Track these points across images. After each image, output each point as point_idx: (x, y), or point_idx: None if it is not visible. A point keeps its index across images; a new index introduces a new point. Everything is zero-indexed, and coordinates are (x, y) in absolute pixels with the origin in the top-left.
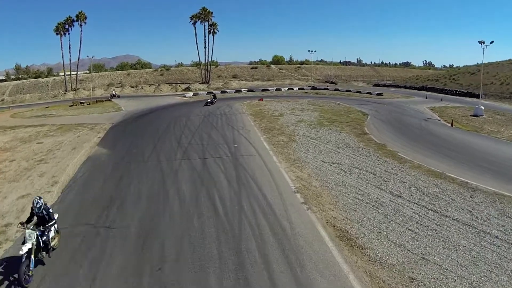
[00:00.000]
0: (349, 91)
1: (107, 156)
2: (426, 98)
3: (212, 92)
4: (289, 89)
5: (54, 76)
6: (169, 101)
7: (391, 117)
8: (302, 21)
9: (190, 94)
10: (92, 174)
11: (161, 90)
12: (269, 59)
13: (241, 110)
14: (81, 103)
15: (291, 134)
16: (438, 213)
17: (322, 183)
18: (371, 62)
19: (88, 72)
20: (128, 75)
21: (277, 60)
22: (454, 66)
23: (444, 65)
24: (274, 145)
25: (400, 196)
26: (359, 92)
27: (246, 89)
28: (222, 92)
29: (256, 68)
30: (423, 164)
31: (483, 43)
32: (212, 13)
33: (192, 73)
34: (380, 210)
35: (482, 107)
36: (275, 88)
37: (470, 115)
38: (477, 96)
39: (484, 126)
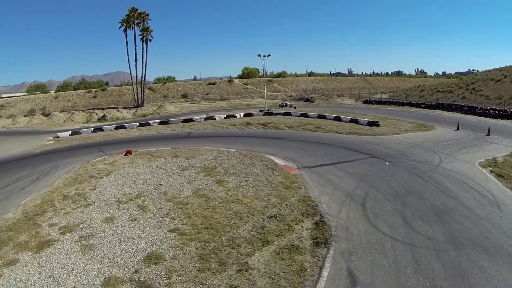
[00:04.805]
0: (323, 117)
1: None
2: (458, 129)
3: None
4: (227, 116)
5: None
6: (16, 151)
7: None
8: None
9: (66, 134)
10: None
11: (72, 120)
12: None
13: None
14: None
15: None
16: None
17: None
18: (362, 73)
19: (27, 93)
20: (55, 98)
21: (247, 74)
22: (447, 73)
23: (437, 73)
24: None
25: None
26: (338, 119)
27: (157, 121)
28: (117, 127)
29: (214, 84)
30: None
31: None
32: (148, 15)
33: (131, 94)
34: None
35: None
36: (205, 116)
37: None
38: None
39: None
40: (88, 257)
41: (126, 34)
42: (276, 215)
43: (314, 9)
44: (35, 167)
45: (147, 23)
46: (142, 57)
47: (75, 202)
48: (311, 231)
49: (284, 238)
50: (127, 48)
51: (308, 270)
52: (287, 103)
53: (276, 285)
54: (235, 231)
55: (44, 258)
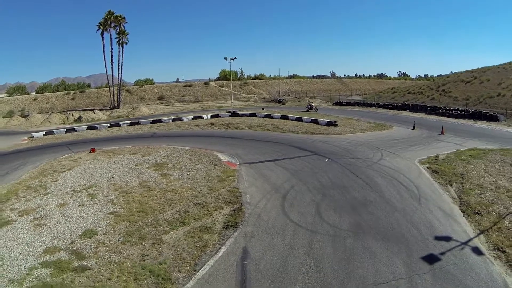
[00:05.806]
0: (286, 118)
1: None
2: (414, 128)
3: None
4: (195, 117)
5: None
6: None
7: None
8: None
9: (41, 134)
10: None
11: (49, 121)
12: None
13: None
14: None
15: None
16: None
17: None
18: (344, 75)
19: (7, 95)
20: (34, 100)
21: (224, 76)
22: (429, 76)
23: (419, 75)
24: None
25: None
26: (299, 120)
27: (128, 122)
28: (89, 128)
29: (190, 86)
30: None
31: None
32: (124, 18)
33: (108, 96)
34: None
35: None
36: (173, 117)
37: None
38: (491, 118)
39: None
40: (38, 233)
41: (103, 37)
42: (201, 202)
43: (303, 10)
44: (6, 163)
45: (123, 27)
46: (119, 60)
47: (36, 192)
48: (227, 217)
49: (201, 221)
50: (103, 51)
51: (210, 246)
52: (313, 105)
53: (179, 256)
54: (161, 214)
55: (1, 234)
